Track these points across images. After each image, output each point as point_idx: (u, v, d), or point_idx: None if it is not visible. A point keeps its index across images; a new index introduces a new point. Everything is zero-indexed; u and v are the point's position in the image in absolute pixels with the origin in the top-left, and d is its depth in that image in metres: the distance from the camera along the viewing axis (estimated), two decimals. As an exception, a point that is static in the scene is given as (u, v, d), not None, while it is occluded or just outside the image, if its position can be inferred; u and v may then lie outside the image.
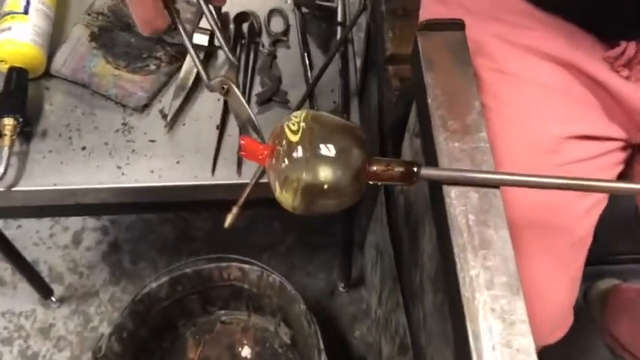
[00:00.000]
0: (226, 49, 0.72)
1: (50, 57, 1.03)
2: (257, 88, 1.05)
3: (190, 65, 1.04)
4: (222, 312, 1.34)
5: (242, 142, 0.61)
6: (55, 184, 0.94)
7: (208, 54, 1.06)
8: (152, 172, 0.96)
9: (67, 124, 1.00)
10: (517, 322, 0.53)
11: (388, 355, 1.03)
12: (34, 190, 0.95)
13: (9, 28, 1.00)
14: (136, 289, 1.43)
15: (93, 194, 0.97)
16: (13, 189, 0.94)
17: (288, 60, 1.07)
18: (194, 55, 0.71)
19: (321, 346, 1.11)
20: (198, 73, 1.04)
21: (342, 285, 1.46)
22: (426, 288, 0.71)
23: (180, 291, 1.24)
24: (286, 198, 0.58)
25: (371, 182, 0.59)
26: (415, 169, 0.59)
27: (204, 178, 0.96)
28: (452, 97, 0.66)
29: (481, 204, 0.59)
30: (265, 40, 1.08)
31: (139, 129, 1.00)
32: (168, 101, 1.01)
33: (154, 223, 1.52)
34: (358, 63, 1.08)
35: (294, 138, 0.57)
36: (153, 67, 1.03)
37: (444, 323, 0.64)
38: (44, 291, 1.36)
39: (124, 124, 1.00)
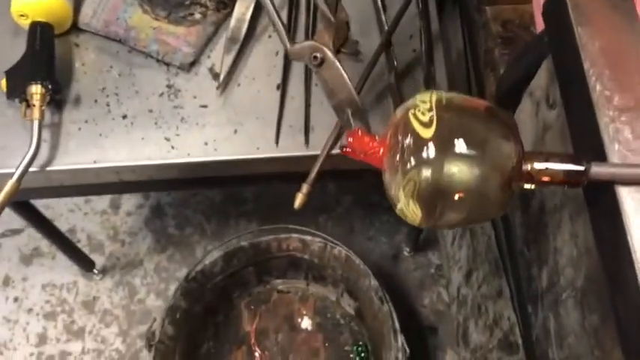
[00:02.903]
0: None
1: (77, 8, 0.88)
2: (321, 38, 0.89)
3: (242, 12, 0.88)
4: (279, 281, 1.23)
5: (350, 138, 0.46)
6: (95, 162, 0.81)
7: None
8: (206, 144, 0.82)
9: (102, 88, 0.86)
10: None
11: (480, 343, 0.91)
12: (72, 170, 0.82)
13: (27, -24, 0.84)
14: (184, 257, 1.33)
15: (139, 171, 0.83)
16: (48, 168, 0.81)
17: (356, 2, 0.90)
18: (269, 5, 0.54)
19: (397, 326, 1.00)
20: (251, 20, 0.89)
21: (408, 249, 1.33)
22: (566, 299, 0.58)
23: (236, 264, 1.12)
24: (413, 211, 0.44)
25: (526, 186, 0.45)
26: (583, 167, 0.44)
27: (267, 150, 0.82)
28: (616, 60, 0.50)
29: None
30: (327, -22, 0.91)
31: (186, 92, 0.85)
32: (219, 57, 0.86)
33: (197, 184, 1.39)
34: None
35: (427, 133, 0.42)
36: (198, 16, 0.87)
37: (601, 352, 0.51)
38: (85, 264, 1.26)
39: (169, 86, 0.86)
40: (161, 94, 0.85)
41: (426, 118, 0.42)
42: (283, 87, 0.85)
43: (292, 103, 0.84)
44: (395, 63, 0.83)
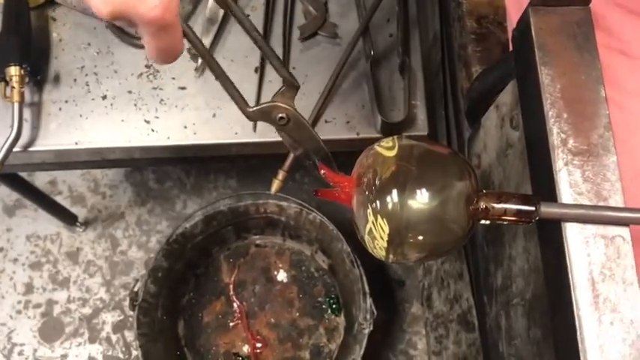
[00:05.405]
0: (272, 58, 0.55)
1: (52, -19, 0.87)
2: (299, 20, 0.89)
3: (220, -10, 0.88)
4: (257, 237, 1.28)
5: (322, 170, 0.50)
6: (76, 143, 0.83)
7: None
8: (185, 127, 0.84)
9: (81, 67, 0.86)
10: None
11: (442, 312, 0.98)
12: (54, 150, 0.84)
13: (-1, -53, 0.83)
14: (164, 210, 1.37)
15: (120, 152, 0.86)
16: (30, 149, 0.83)
17: (335, -18, 0.90)
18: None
19: (367, 289, 1.06)
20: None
21: (381, 207, 1.38)
22: (516, 305, 0.63)
23: (215, 225, 1.17)
24: (379, 253, 0.48)
25: (482, 222, 0.49)
26: (534, 208, 0.49)
27: (246, 135, 0.85)
28: (574, 103, 0.53)
29: (608, 251, 0.50)
30: (306, -44, 0.90)
31: (165, 73, 0.86)
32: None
33: (176, 137, 1.41)
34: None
35: (390, 186, 0.46)
36: (176, -6, 0.87)
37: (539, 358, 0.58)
38: (68, 218, 1.29)
39: (148, 66, 0.86)
40: (140, 75, 0.86)
41: (387, 174, 0.45)
42: (261, 70, 0.86)
43: (270, 87, 0.86)
44: (372, 52, 0.84)
